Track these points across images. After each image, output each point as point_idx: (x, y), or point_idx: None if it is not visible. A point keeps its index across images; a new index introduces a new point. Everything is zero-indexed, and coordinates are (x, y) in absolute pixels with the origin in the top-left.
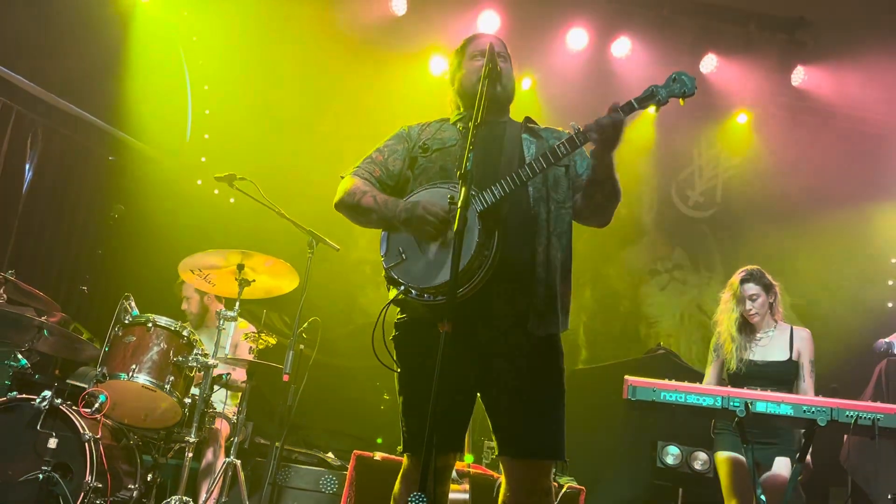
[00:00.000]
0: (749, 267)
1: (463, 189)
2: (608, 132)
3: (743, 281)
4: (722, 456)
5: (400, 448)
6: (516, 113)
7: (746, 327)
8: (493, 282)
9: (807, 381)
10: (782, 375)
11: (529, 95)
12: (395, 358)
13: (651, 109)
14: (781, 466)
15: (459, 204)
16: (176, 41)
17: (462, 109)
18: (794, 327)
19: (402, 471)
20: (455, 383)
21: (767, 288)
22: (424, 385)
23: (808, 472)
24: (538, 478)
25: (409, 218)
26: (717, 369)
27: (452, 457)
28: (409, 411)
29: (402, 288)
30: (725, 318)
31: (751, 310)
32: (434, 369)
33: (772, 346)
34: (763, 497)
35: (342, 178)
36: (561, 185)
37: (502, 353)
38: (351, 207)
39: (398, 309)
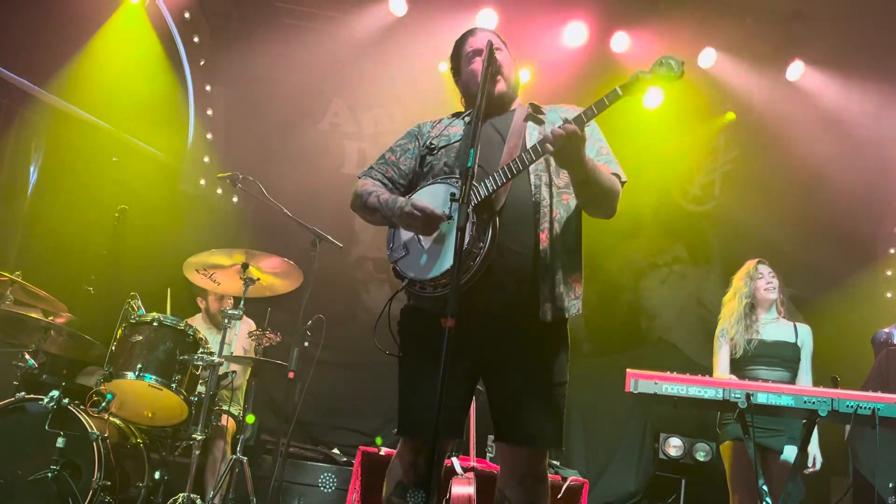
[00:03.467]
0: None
1: (464, 186)
2: (561, 143)
3: (759, 263)
4: (728, 445)
5: (395, 431)
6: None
7: (754, 310)
8: (495, 270)
9: (809, 374)
10: (789, 355)
11: (529, 92)
12: (398, 343)
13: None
14: (792, 454)
15: (461, 200)
16: (177, 42)
17: (467, 108)
18: (795, 323)
19: (396, 452)
20: (455, 369)
21: (775, 277)
22: (423, 372)
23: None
24: (531, 463)
25: (401, 215)
26: (727, 354)
27: (449, 441)
28: (406, 396)
29: (406, 281)
30: (736, 299)
31: (769, 284)
32: (432, 356)
33: (779, 328)
34: (765, 487)
35: (358, 178)
36: (563, 170)
37: (505, 340)
38: (360, 208)
39: (407, 297)
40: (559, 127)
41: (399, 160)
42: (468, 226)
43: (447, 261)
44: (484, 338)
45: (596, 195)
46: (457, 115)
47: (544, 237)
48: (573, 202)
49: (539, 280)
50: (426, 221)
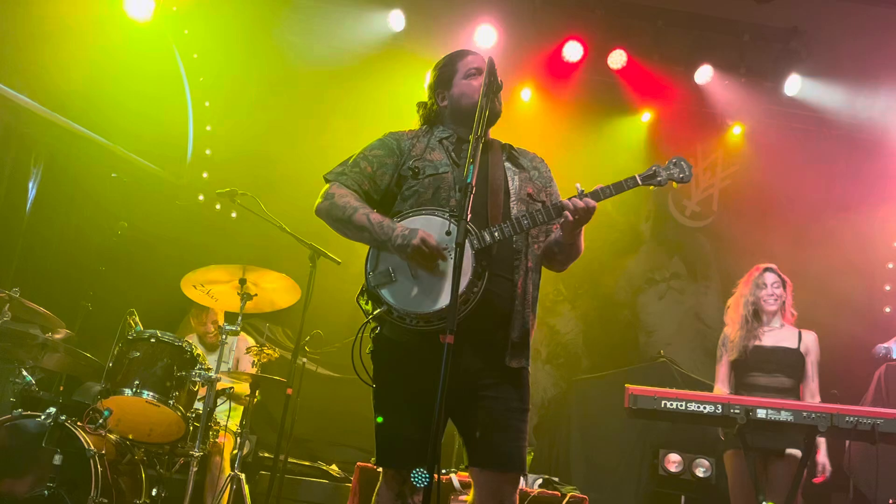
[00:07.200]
0: (769, 264)
1: (466, 200)
2: (580, 215)
3: (765, 270)
4: (730, 454)
5: (373, 460)
6: (513, 127)
7: (757, 316)
8: (475, 314)
9: (815, 380)
10: (790, 360)
11: (528, 109)
12: (370, 373)
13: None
14: (793, 452)
15: (461, 216)
16: (176, 58)
17: (449, 125)
18: (801, 329)
19: (378, 486)
20: (430, 403)
21: (784, 283)
22: (401, 402)
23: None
24: (508, 488)
25: (404, 245)
26: (727, 365)
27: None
28: (385, 426)
29: (385, 308)
30: (740, 304)
31: (772, 295)
32: (410, 386)
33: (781, 336)
34: (765, 502)
35: (326, 180)
36: None
37: (478, 379)
38: (341, 221)
39: (375, 324)
40: (582, 200)
41: (375, 173)
42: (470, 269)
43: (443, 299)
44: (459, 374)
45: (573, 255)
46: (429, 132)
47: (520, 284)
48: (538, 252)
49: (511, 328)
50: (431, 259)
